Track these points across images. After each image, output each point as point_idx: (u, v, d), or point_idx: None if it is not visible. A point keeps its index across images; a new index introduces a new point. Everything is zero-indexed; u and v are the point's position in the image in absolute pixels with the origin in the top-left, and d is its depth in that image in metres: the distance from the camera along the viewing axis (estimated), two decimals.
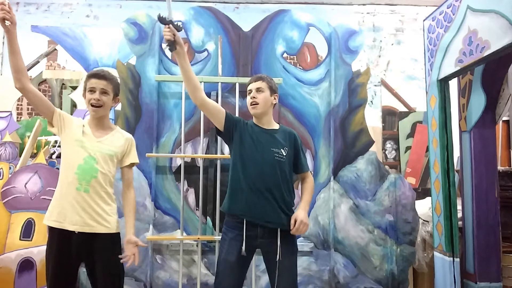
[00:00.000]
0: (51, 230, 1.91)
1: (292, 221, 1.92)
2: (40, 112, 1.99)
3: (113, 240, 1.95)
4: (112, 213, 1.97)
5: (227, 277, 1.95)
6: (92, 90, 1.94)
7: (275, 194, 1.95)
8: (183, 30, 2.98)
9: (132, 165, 2.09)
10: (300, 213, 1.93)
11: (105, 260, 1.90)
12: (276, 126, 2.12)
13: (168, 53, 3.06)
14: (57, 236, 1.88)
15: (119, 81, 2.09)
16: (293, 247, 2.02)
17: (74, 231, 1.86)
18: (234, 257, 1.95)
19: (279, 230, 1.95)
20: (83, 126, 1.98)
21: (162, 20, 1.84)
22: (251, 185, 1.95)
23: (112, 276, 1.92)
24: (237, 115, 2.89)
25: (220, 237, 2.76)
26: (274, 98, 2.09)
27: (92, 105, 1.94)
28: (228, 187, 2.04)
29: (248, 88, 2.08)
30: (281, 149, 2.01)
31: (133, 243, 1.95)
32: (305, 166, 2.11)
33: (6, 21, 1.73)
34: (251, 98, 2.04)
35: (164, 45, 1.85)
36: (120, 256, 1.93)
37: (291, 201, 2.01)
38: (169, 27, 1.82)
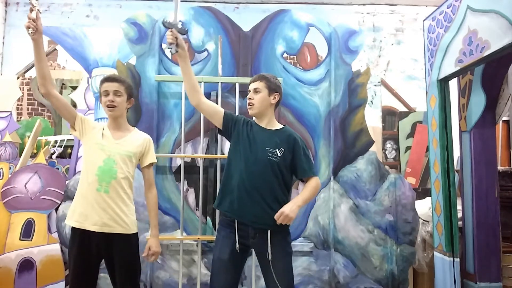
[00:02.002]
0: (73, 230, 2.00)
1: (279, 213, 1.88)
2: (63, 117, 2.11)
3: (130, 240, 2.05)
4: (130, 214, 2.06)
5: (221, 275, 1.95)
6: (106, 93, 2.05)
7: (265, 194, 1.93)
8: (186, 36, 3.00)
9: (151, 164, 2.19)
10: (287, 205, 1.88)
11: (123, 259, 2.00)
12: (277, 126, 2.09)
13: (168, 53, 3.07)
14: (79, 236, 1.97)
15: (130, 83, 2.18)
16: (286, 248, 1.99)
17: (94, 231, 1.95)
18: (226, 255, 1.95)
19: (269, 231, 1.93)
20: (103, 129, 2.08)
21: (165, 24, 1.87)
22: (240, 183, 1.94)
23: (129, 273, 2.03)
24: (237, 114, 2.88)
25: None
26: (274, 98, 2.05)
27: (108, 106, 2.04)
28: (221, 184, 2.06)
29: (248, 88, 2.08)
30: (276, 149, 1.98)
31: (149, 248, 2.11)
32: (308, 171, 2.02)
33: (29, 29, 1.79)
34: (248, 98, 2.05)
35: (164, 45, 1.89)
36: (143, 255, 2.10)
37: (285, 202, 1.95)
38: (171, 31, 1.85)
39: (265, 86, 2.03)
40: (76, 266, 1.97)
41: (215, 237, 2.75)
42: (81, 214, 1.97)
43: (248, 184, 1.93)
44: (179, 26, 1.88)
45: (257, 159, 1.96)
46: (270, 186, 1.95)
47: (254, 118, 2.11)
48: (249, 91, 2.06)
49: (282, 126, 2.11)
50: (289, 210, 1.86)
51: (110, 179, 1.99)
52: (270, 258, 1.90)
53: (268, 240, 1.91)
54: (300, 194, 1.97)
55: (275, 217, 1.87)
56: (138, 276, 2.07)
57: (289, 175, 2.03)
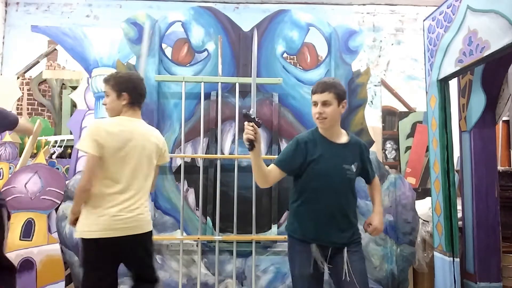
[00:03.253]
0: (95, 241, 1.89)
1: (366, 225, 1.97)
2: None
3: (149, 236, 2.07)
4: (149, 212, 2.09)
5: None
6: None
7: (347, 213, 1.90)
8: (187, 33, 3.00)
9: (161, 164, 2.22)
10: (375, 218, 1.96)
11: (141, 254, 2.02)
12: (344, 137, 1.96)
13: (168, 53, 3.07)
14: (103, 244, 1.90)
15: (122, 77, 2.08)
16: (361, 255, 1.94)
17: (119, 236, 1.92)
18: (309, 269, 1.85)
19: (345, 249, 1.87)
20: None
21: (247, 116, 1.70)
22: (322, 207, 1.87)
23: (149, 260, 2.09)
24: (237, 115, 2.89)
25: (220, 237, 2.79)
26: (343, 107, 1.90)
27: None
28: (293, 208, 1.95)
29: (313, 99, 1.89)
30: (352, 165, 1.90)
31: None
32: (374, 173, 2.07)
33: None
34: (317, 112, 1.86)
35: (245, 144, 1.74)
36: None
37: (355, 215, 1.96)
38: (253, 126, 1.69)
39: (334, 97, 1.85)
40: (98, 272, 1.93)
41: (215, 237, 2.78)
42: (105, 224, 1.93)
43: (334, 207, 1.86)
44: (256, 119, 1.71)
45: (336, 180, 1.87)
46: (350, 204, 1.92)
47: (319, 128, 1.94)
48: (315, 103, 1.88)
49: (346, 133, 1.99)
50: (379, 223, 1.95)
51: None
52: (346, 276, 1.83)
53: (344, 257, 1.85)
54: (377, 202, 2.05)
55: (369, 231, 1.96)
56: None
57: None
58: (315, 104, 1.87)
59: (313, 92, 1.89)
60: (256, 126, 1.70)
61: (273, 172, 1.87)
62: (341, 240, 1.87)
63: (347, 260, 1.85)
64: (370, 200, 2.18)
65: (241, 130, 2.87)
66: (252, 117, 1.70)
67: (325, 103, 1.84)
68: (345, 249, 1.87)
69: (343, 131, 1.99)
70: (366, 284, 1.87)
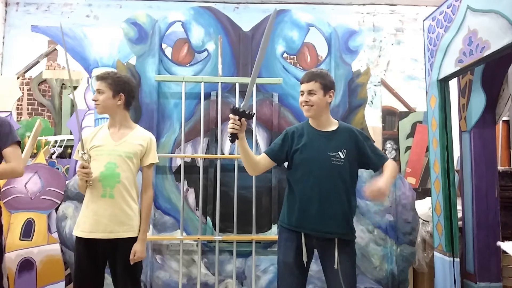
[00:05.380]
0: (78, 239, 1.97)
1: (368, 192, 1.81)
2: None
3: (134, 242, 2.00)
4: (135, 216, 2.02)
5: (287, 279, 1.91)
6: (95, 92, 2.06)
7: (333, 202, 1.87)
8: (187, 33, 3.00)
9: (151, 165, 2.12)
10: (380, 180, 1.80)
11: (126, 261, 1.96)
12: (334, 125, 1.98)
13: (168, 53, 3.07)
14: (84, 244, 1.94)
15: (121, 78, 2.08)
16: (351, 253, 1.93)
17: (101, 239, 1.93)
18: (291, 258, 1.90)
19: (336, 239, 1.86)
20: (99, 130, 2.07)
21: (235, 111, 1.74)
22: (306, 195, 1.88)
23: (132, 272, 2.00)
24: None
25: (220, 237, 2.79)
26: (330, 96, 1.94)
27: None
28: (286, 200, 1.99)
29: (300, 88, 1.96)
30: (338, 152, 1.89)
31: (134, 253, 1.97)
32: (380, 158, 1.95)
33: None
34: (303, 101, 1.93)
35: (228, 136, 1.79)
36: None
37: (352, 208, 1.93)
38: (240, 120, 1.74)
39: (320, 87, 1.91)
40: (82, 273, 1.95)
41: (215, 237, 2.78)
42: (86, 224, 1.94)
43: (316, 194, 1.87)
44: (247, 112, 1.75)
45: (321, 167, 1.88)
46: (338, 191, 1.88)
47: (309, 119, 2.01)
48: (302, 91, 1.94)
49: (337, 122, 2.00)
50: (384, 184, 1.77)
51: (114, 183, 1.95)
52: (337, 264, 1.84)
53: (336, 250, 1.85)
54: (384, 174, 1.88)
55: (368, 193, 1.79)
56: (139, 276, 2.05)
57: (353, 177, 1.94)
58: (302, 93, 1.95)
59: (300, 82, 1.98)
60: (244, 120, 1.75)
61: (263, 160, 1.98)
62: (326, 228, 1.86)
63: (337, 257, 1.84)
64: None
65: None
66: (241, 110, 1.73)
67: (310, 92, 1.92)
68: (336, 241, 1.85)
69: (334, 121, 2.02)
70: (353, 286, 1.87)
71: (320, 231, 1.87)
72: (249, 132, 2.80)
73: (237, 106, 1.80)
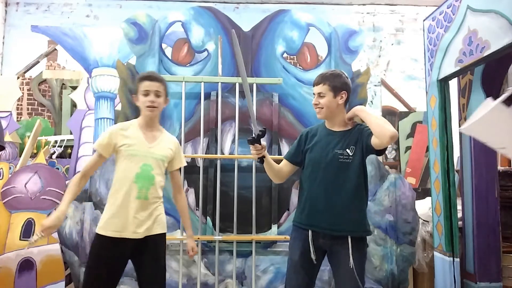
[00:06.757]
0: (105, 238, 1.91)
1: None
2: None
3: (162, 238, 2.08)
4: (164, 214, 2.09)
5: (293, 276, 1.93)
6: (146, 93, 1.96)
7: (342, 199, 1.87)
8: (187, 33, 3.00)
9: (179, 168, 2.19)
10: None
11: (155, 256, 2.03)
12: (350, 126, 1.97)
13: (168, 53, 3.07)
14: (112, 242, 1.91)
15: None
16: (363, 250, 1.92)
17: (130, 238, 1.92)
18: (297, 256, 1.92)
19: (349, 237, 1.85)
20: (129, 128, 2.01)
21: (251, 141, 1.84)
22: (314, 193, 1.91)
23: (159, 269, 2.07)
24: (237, 115, 2.89)
25: (220, 237, 2.79)
26: (341, 97, 1.92)
27: (148, 107, 1.97)
28: (298, 200, 2.03)
29: (313, 90, 1.99)
30: (346, 150, 1.89)
31: (192, 248, 2.20)
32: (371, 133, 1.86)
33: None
34: (314, 104, 1.97)
35: (256, 161, 1.95)
36: (186, 250, 2.20)
37: (363, 205, 1.93)
38: (256, 146, 1.85)
39: (329, 89, 1.91)
40: (101, 269, 1.91)
41: (215, 237, 2.78)
42: (119, 225, 1.91)
43: (322, 191, 1.88)
44: (260, 133, 1.82)
45: (328, 165, 1.89)
46: (346, 190, 1.86)
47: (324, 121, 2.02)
48: (314, 94, 1.97)
49: (355, 124, 1.98)
50: (362, 108, 1.94)
51: (149, 185, 1.96)
52: (352, 264, 1.82)
53: (350, 249, 1.83)
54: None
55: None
56: (165, 274, 2.11)
57: (361, 175, 1.91)
58: (314, 95, 1.99)
59: (313, 85, 2.01)
60: (262, 145, 1.86)
61: (284, 167, 2.06)
62: (334, 226, 1.86)
63: (351, 255, 1.82)
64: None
65: (241, 130, 2.89)
66: (256, 138, 1.82)
67: (319, 95, 1.95)
68: (349, 239, 1.84)
69: (351, 123, 1.99)
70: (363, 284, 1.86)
71: (328, 229, 1.88)
72: (249, 131, 2.80)
73: (250, 137, 1.85)
